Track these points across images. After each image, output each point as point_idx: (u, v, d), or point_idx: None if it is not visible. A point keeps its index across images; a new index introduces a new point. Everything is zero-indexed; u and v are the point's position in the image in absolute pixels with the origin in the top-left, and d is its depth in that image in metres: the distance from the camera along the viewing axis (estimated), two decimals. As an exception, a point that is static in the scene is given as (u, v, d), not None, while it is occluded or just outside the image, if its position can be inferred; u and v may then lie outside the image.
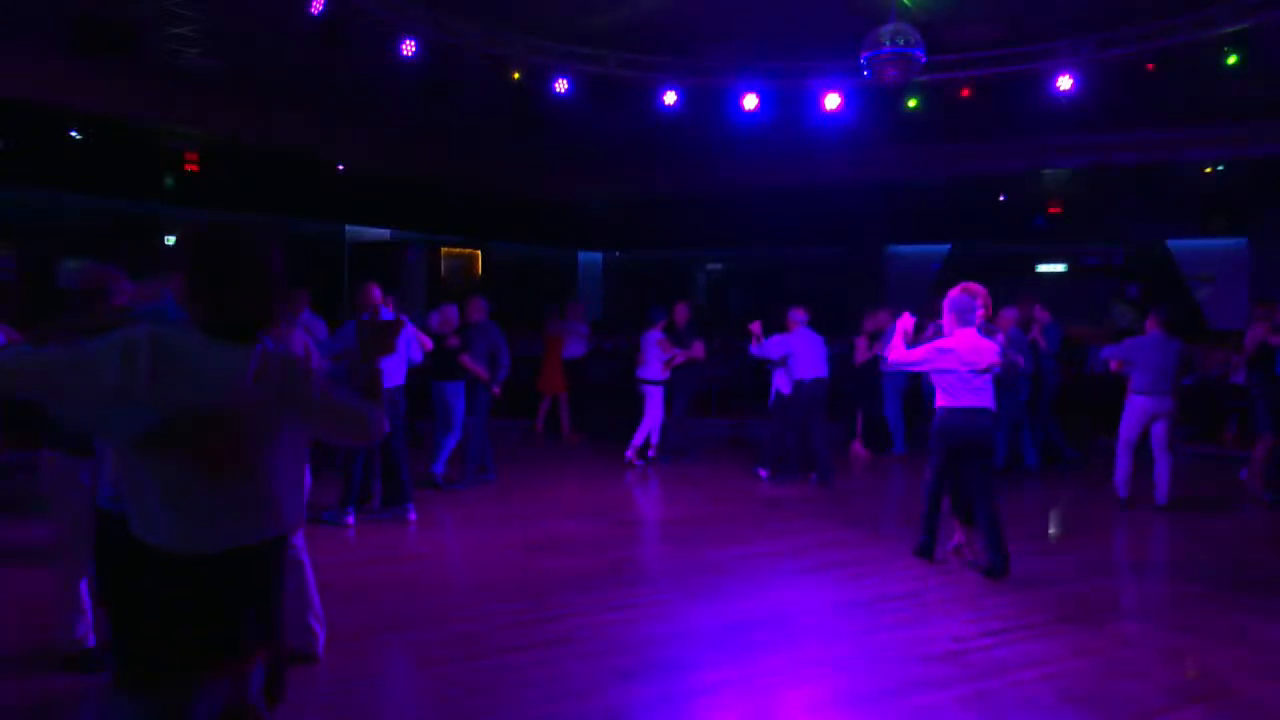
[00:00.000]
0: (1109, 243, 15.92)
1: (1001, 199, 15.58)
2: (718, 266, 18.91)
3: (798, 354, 8.71)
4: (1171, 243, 15.15)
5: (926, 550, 6.03)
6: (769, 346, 8.77)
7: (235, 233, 2.23)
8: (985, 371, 5.72)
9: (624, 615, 4.87)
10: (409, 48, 8.92)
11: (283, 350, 2.28)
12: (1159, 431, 7.72)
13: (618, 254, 19.05)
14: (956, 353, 5.71)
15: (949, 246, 16.61)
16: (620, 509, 7.83)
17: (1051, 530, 7.40)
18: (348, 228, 16.03)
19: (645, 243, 18.36)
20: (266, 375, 2.19)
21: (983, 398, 5.75)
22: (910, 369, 6.32)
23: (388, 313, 6.61)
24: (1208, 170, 13.60)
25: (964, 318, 5.79)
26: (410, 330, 6.95)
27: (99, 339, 2.06)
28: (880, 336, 9.98)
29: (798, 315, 8.85)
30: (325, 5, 8.02)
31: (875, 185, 14.90)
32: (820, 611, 5.12)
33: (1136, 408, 7.71)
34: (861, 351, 10.26)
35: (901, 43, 7.95)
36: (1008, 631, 4.78)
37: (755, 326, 8.86)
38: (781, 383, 8.95)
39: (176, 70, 10.42)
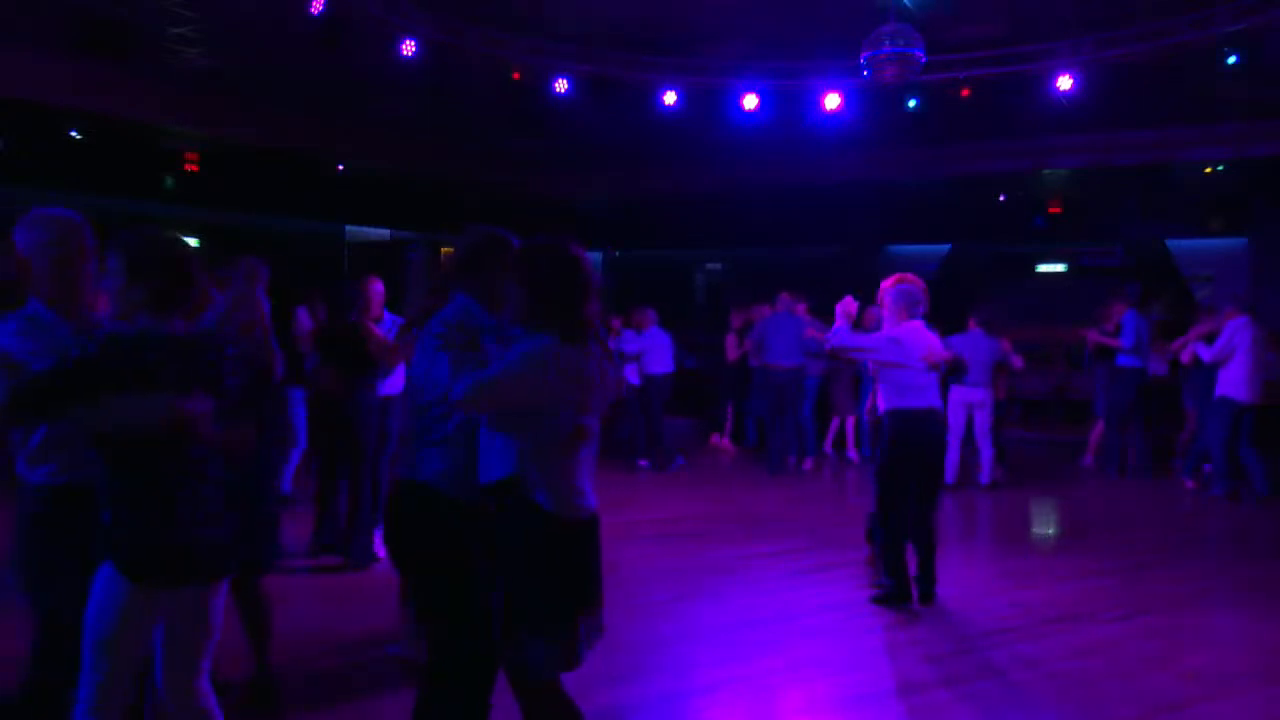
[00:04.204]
0: (1109, 243, 15.90)
1: (1001, 199, 15.56)
2: (717, 266, 18.89)
3: (650, 350, 9.53)
4: (1171, 243, 15.13)
5: (903, 596, 5.13)
6: (625, 342, 9.59)
7: (568, 249, 2.72)
8: (934, 369, 5.22)
9: (624, 615, 4.87)
10: (409, 48, 8.91)
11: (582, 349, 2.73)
12: (980, 420, 8.58)
13: (618, 254, 19.04)
14: (908, 345, 5.14)
15: (949, 247, 16.59)
16: (613, 509, 7.83)
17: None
18: (348, 228, 16.02)
19: (645, 242, 18.34)
20: (603, 372, 2.72)
21: (934, 397, 5.23)
22: (855, 355, 5.68)
23: (391, 318, 5.93)
24: (1208, 170, 13.57)
25: (913, 309, 5.26)
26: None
27: (513, 354, 2.58)
28: (748, 332, 10.25)
29: (649, 315, 9.76)
30: (325, 5, 8.01)
31: (875, 185, 14.87)
32: (820, 611, 5.12)
33: (957, 398, 8.45)
34: (732, 349, 10.49)
35: (901, 43, 7.95)
36: (1008, 631, 4.78)
37: (617, 322, 9.74)
38: (631, 376, 9.66)
39: (176, 70, 10.41)
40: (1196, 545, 6.82)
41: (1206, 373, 8.45)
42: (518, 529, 2.62)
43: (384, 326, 5.74)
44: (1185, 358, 8.72)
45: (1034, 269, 16.49)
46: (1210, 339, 8.41)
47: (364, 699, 3.90)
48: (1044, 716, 3.82)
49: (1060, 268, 16.38)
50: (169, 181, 12.89)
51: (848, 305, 5.27)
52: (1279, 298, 13.91)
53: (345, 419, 5.55)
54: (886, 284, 5.38)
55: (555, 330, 2.61)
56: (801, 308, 9.46)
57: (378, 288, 5.79)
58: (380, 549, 5.92)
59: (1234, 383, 8.20)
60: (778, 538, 6.72)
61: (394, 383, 6.04)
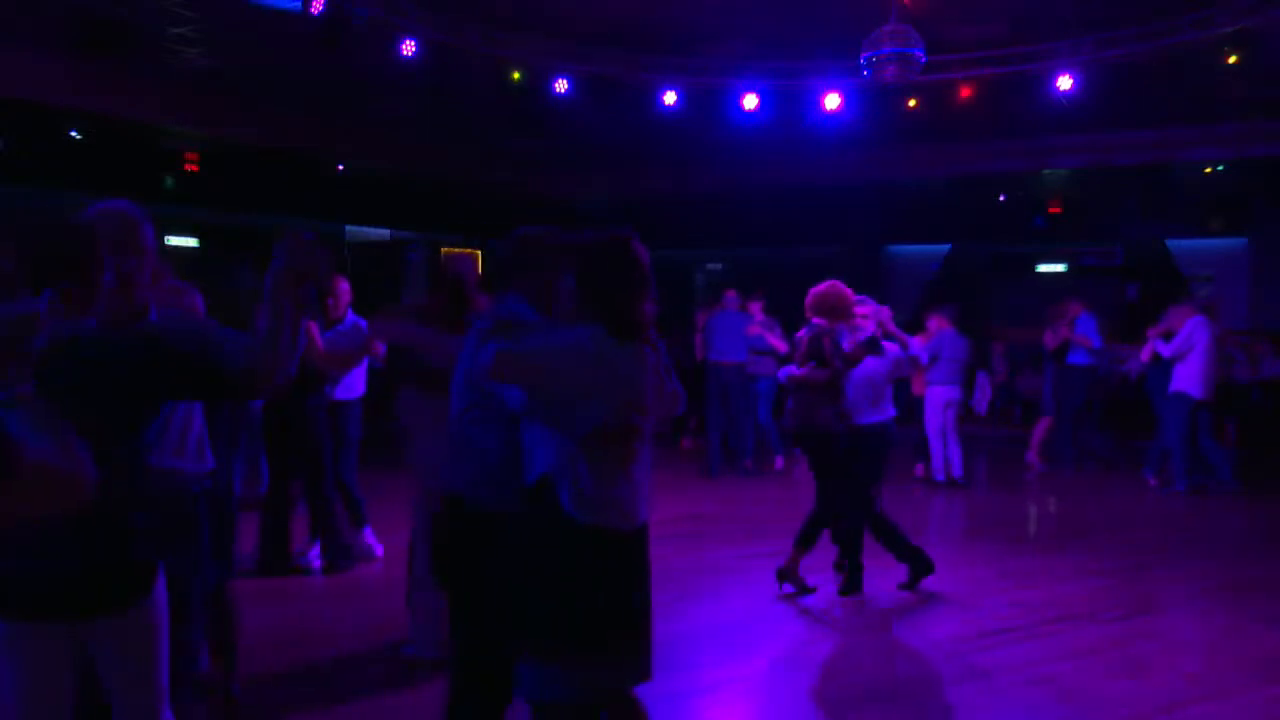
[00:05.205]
0: (1109, 243, 15.89)
1: (1001, 199, 15.56)
2: (718, 266, 18.90)
3: None
4: (1171, 243, 15.13)
5: (928, 567, 5.44)
6: None
7: (627, 244, 2.61)
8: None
9: (624, 615, 4.87)
10: (409, 48, 8.91)
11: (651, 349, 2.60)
12: (951, 417, 8.84)
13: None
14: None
15: (949, 246, 16.58)
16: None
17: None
18: (348, 228, 16.02)
19: (645, 242, 18.26)
20: (658, 373, 2.59)
21: None
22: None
23: (353, 319, 5.65)
24: (1208, 170, 13.57)
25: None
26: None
27: (554, 335, 2.45)
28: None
29: None
30: (325, 5, 8.01)
31: (875, 185, 14.88)
32: (820, 611, 5.12)
33: (938, 397, 8.73)
34: (699, 349, 10.44)
35: (901, 43, 7.95)
36: (1007, 631, 4.78)
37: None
38: None
39: (176, 70, 10.41)
40: (1196, 545, 6.81)
41: (1166, 369, 8.63)
42: (536, 531, 2.45)
43: (343, 327, 5.52)
44: (1145, 355, 8.94)
45: (1034, 269, 16.48)
46: (1169, 336, 8.61)
47: (364, 699, 3.90)
48: (1044, 716, 3.82)
49: (1060, 268, 16.38)
50: (169, 181, 12.89)
51: (884, 314, 5.38)
52: (1279, 298, 13.92)
53: (292, 425, 5.37)
54: (823, 290, 5.28)
55: (606, 325, 2.49)
56: (756, 306, 9.43)
57: (343, 286, 5.63)
58: (379, 548, 5.90)
59: (1190, 379, 8.39)
60: (777, 538, 6.70)
61: (353, 387, 5.85)
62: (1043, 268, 16.47)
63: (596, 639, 2.40)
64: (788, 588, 5.35)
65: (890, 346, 5.54)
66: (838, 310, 5.22)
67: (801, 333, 5.31)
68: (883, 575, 5.73)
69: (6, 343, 1.58)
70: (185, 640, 2.76)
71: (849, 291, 5.29)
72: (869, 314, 5.52)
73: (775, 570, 5.38)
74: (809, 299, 5.29)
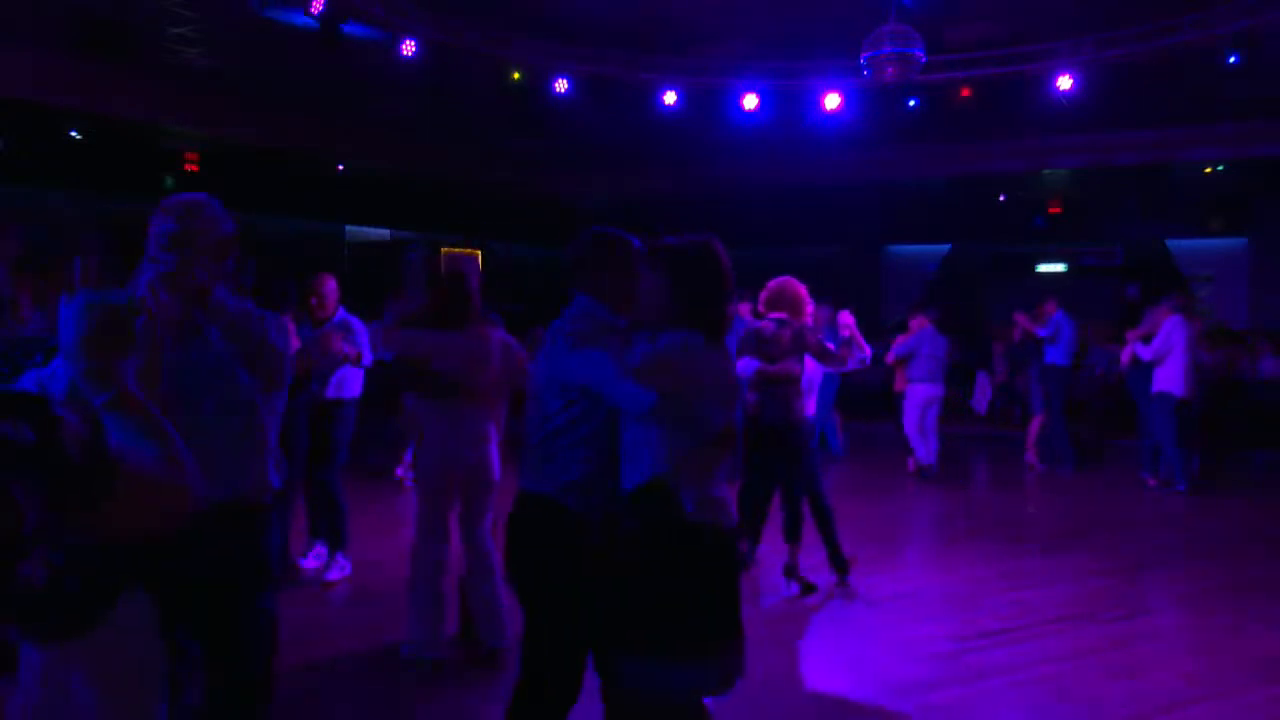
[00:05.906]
0: (1109, 243, 15.91)
1: (1001, 199, 15.56)
2: (718, 266, 18.91)
3: None
4: (1171, 243, 15.15)
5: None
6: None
7: (715, 248, 2.63)
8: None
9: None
10: (409, 48, 8.92)
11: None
12: (931, 415, 9.01)
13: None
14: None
15: (949, 247, 16.59)
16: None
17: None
18: (348, 228, 16.04)
19: (646, 243, 18.33)
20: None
21: None
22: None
23: (343, 315, 5.54)
24: (1208, 170, 13.59)
25: None
26: (362, 333, 5.56)
27: (667, 341, 2.45)
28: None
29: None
30: (325, 5, 8.02)
31: (875, 185, 14.89)
32: (819, 611, 5.12)
33: (919, 394, 8.87)
34: None
35: (901, 43, 7.96)
36: (1007, 631, 4.78)
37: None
38: None
39: (176, 70, 10.42)
40: (1196, 545, 6.81)
41: (1147, 371, 8.67)
42: (656, 533, 2.44)
43: (330, 326, 5.36)
44: (1125, 358, 8.97)
45: (1034, 269, 16.50)
46: (1148, 339, 8.65)
47: (363, 699, 3.90)
48: (1043, 716, 3.82)
49: (1060, 268, 16.40)
50: (169, 181, 12.89)
51: (847, 318, 5.44)
52: (1279, 298, 13.92)
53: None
54: (781, 286, 5.37)
55: (700, 329, 2.50)
56: (744, 309, 9.40)
57: (330, 285, 5.50)
58: (338, 572, 5.49)
59: (1171, 379, 8.44)
60: (777, 538, 6.70)
61: (347, 386, 5.62)
62: (1043, 268, 16.48)
63: (716, 634, 2.49)
64: (793, 587, 5.37)
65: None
66: (796, 305, 5.28)
67: (767, 327, 5.26)
68: (883, 576, 5.74)
69: (111, 336, 1.45)
70: (249, 674, 2.58)
71: (803, 288, 5.36)
72: (811, 312, 5.62)
73: (782, 568, 5.43)
74: (766, 294, 5.35)
